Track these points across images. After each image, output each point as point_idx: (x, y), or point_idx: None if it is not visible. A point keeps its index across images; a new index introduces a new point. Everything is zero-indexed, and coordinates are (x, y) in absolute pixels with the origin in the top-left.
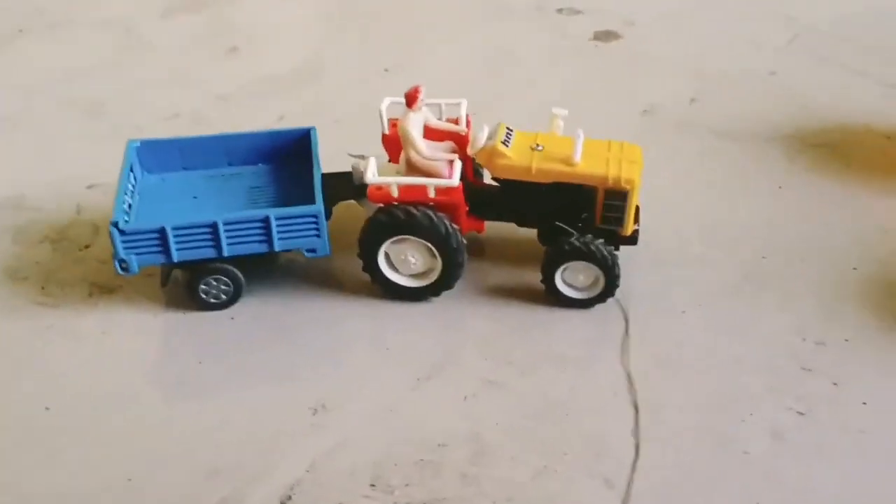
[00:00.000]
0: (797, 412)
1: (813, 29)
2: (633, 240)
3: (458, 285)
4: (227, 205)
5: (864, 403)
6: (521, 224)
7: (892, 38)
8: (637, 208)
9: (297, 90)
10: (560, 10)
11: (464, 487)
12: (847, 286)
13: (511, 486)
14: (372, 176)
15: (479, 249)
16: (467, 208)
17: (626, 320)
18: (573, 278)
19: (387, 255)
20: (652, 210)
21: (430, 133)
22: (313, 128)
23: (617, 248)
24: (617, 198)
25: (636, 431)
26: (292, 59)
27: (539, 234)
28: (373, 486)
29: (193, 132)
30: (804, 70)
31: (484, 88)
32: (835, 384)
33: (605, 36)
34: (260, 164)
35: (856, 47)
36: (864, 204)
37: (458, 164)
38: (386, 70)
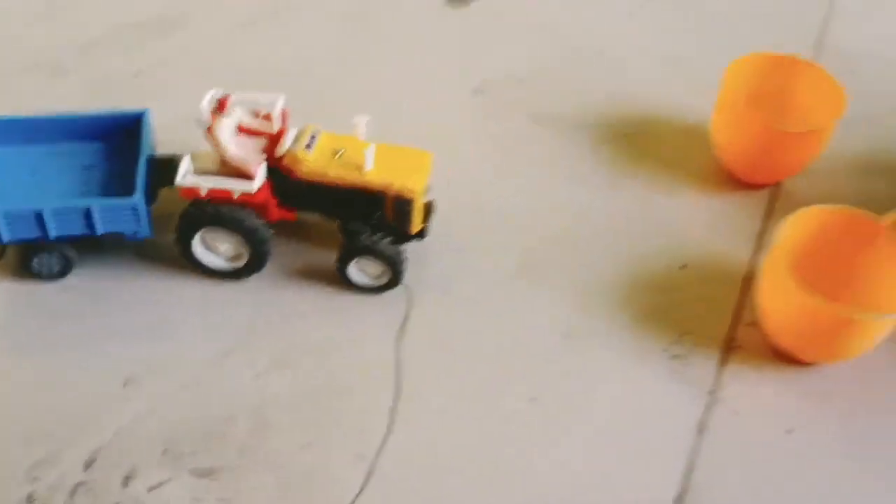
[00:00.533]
0: (535, 399)
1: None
2: (421, 235)
3: (270, 267)
4: (61, 183)
5: (602, 394)
6: (325, 217)
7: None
8: (430, 205)
9: (160, 40)
10: None
11: (241, 458)
12: (614, 279)
13: (279, 457)
14: (181, 178)
15: (305, 232)
16: (277, 201)
17: (409, 307)
18: (365, 269)
19: (202, 241)
20: (459, 198)
21: (245, 130)
22: (146, 111)
23: (407, 242)
24: (402, 203)
25: (393, 410)
26: (157, 5)
27: (339, 227)
28: (164, 452)
29: (52, 85)
30: (632, 55)
31: (333, 53)
32: (579, 374)
33: (461, 1)
34: (97, 142)
35: (677, 36)
36: (650, 198)
37: (261, 169)
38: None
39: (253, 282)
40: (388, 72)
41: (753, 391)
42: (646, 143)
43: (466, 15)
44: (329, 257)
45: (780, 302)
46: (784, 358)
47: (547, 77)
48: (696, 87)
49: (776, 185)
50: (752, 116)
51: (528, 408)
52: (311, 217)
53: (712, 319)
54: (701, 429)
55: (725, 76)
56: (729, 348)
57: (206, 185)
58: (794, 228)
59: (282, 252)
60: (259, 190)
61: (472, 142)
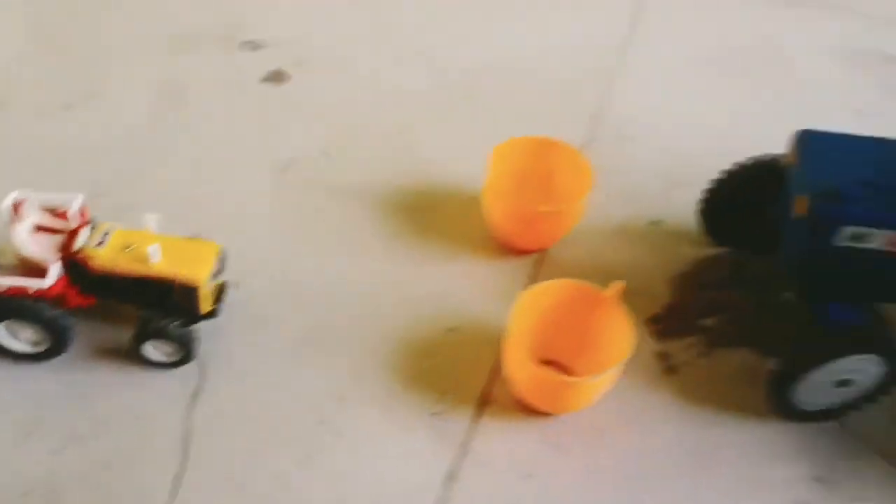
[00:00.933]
0: (309, 458)
1: (447, 79)
2: (212, 315)
3: (74, 344)
4: None
5: (366, 450)
6: (122, 303)
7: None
8: (222, 286)
9: None
10: (245, 44)
11: None
12: (388, 344)
13: None
14: None
15: (110, 310)
16: (77, 289)
17: (201, 380)
18: (158, 348)
19: (6, 329)
20: (256, 275)
21: (43, 228)
22: None
23: (199, 321)
24: (188, 290)
25: (178, 479)
26: None
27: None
28: None
29: None
30: (430, 125)
31: (146, 131)
32: (347, 435)
33: (277, 77)
34: None
35: (466, 115)
36: (427, 266)
37: (55, 267)
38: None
39: (57, 362)
40: (198, 150)
41: (500, 441)
42: (430, 215)
43: (279, 94)
44: (127, 335)
45: (515, 368)
46: (528, 410)
47: (346, 153)
48: (480, 163)
49: (543, 251)
50: (507, 197)
51: (302, 469)
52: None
53: (472, 378)
54: (450, 478)
55: (490, 159)
56: (483, 403)
57: (4, 283)
58: (531, 300)
59: (86, 329)
60: (55, 284)
61: (273, 219)
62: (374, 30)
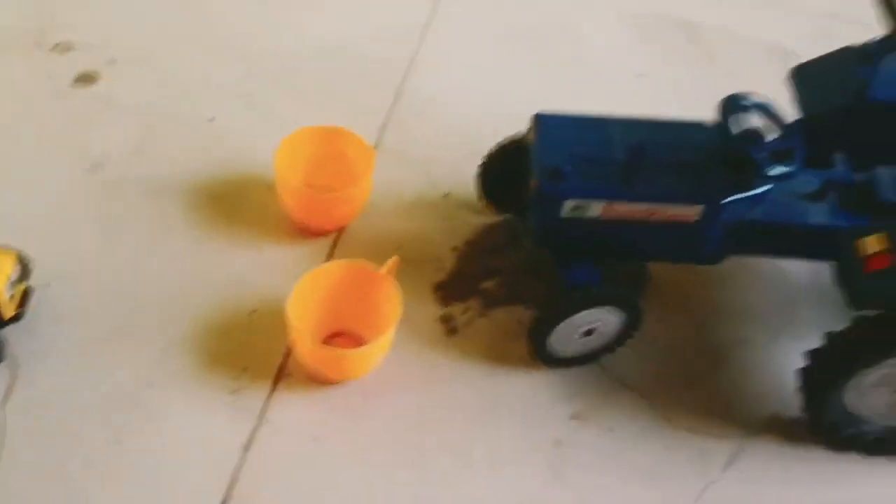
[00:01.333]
0: (119, 441)
1: (256, 69)
2: (17, 319)
3: None
4: None
5: (171, 428)
6: None
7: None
8: (27, 290)
9: None
10: (56, 46)
11: None
12: (193, 330)
13: None
14: None
15: None
16: None
17: (13, 379)
18: None
19: None
20: (71, 274)
21: None
22: None
23: (6, 325)
24: None
25: None
26: None
27: None
28: None
29: None
30: (238, 114)
31: None
32: (154, 417)
33: (87, 78)
34: None
35: (275, 104)
36: (229, 253)
37: None
38: None
39: None
40: (4, 157)
41: (293, 410)
42: (236, 204)
43: (90, 95)
44: None
45: (298, 345)
46: (319, 381)
47: (157, 149)
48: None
49: (341, 230)
50: (295, 185)
51: (113, 449)
52: None
53: (270, 355)
54: (246, 448)
55: (277, 150)
56: (279, 377)
57: None
58: (311, 282)
59: None
60: None
61: (84, 220)
62: (184, 24)
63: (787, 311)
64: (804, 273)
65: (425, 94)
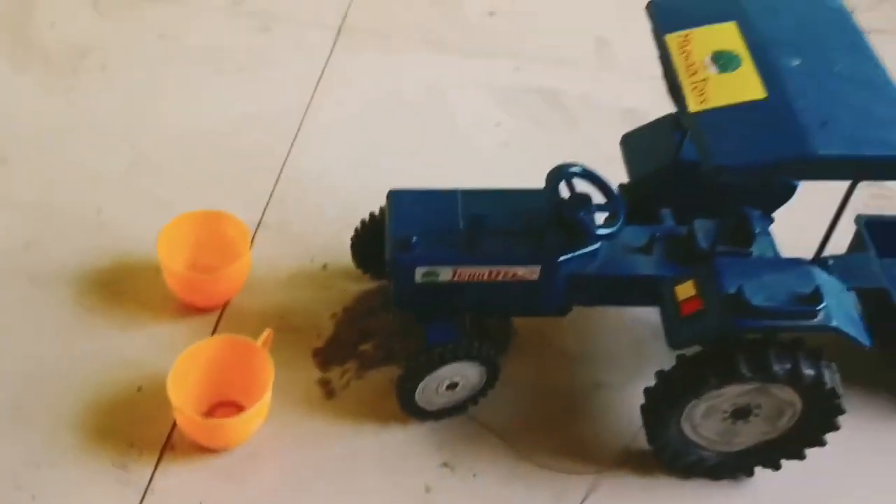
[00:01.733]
0: None
1: (142, 156)
2: None
3: None
4: None
5: None
6: None
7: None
8: None
9: None
10: None
11: None
12: (83, 412)
13: None
14: None
15: None
16: None
17: None
18: None
19: None
20: None
21: None
22: None
23: None
24: None
25: None
26: None
27: None
28: None
29: None
30: (124, 203)
31: None
32: (48, 498)
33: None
34: None
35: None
36: (118, 336)
37: None
38: None
39: None
40: None
41: (178, 479)
42: (124, 288)
43: None
44: None
45: (177, 417)
46: (204, 450)
47: (47, 241)
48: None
49: (225, 305)
50: (175, 268)
51: None
52: None
53: (157, 428)
54: None
55: (159, 236)
56: (165, 449)
57: None
58: (190, 357)
59: None
60: None
61: None
62: (72, 117)
63: (637, 353)
64: (652, 315)
65: (304, 172)
